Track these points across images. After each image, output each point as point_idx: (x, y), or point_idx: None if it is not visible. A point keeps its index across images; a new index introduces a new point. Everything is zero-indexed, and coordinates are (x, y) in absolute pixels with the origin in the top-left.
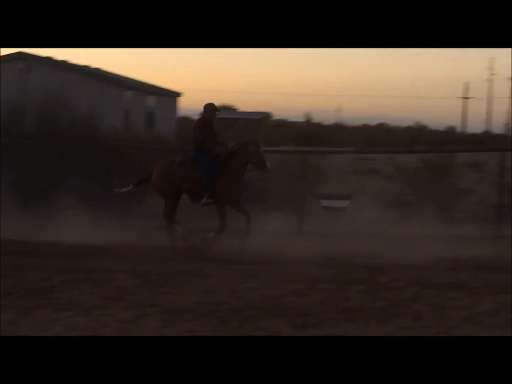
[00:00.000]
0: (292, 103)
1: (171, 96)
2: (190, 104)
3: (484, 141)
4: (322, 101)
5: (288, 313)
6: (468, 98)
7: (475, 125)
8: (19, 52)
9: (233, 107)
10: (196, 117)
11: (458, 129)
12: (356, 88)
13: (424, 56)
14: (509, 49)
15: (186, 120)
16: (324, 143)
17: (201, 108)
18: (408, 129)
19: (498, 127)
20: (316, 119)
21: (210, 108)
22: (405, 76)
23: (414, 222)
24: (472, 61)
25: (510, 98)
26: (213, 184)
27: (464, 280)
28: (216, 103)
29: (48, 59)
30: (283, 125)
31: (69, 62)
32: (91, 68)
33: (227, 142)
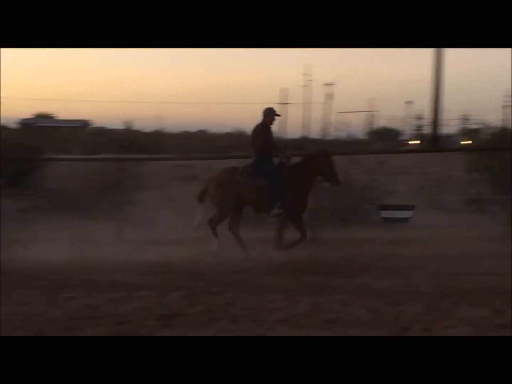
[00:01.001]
0: (112, 110)
1: None
2: (6, 112)
3: (302, 146)
4: (143, 108)
5: (106, 321)
6: (286, 104)
7: (294, 131)
8: None
9: (51, 116)
10: (14, 125)
11: (277, 135)
12: (177, 96)
13: (243, 63)
14: (321, 57)
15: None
16: (144, 150)
17: (18, 116)
18: (227, 135)
19: (315, 132)
20: (136, 126)
21: (269, 112)
22: (224, 83)
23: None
24: (289, 67)
25: (326, 104)
26: (282, 194)
27: (281, 282)
28: (34, 112)
29: None
30: (102, 133)
31: None
32: None
33: (287, 150)
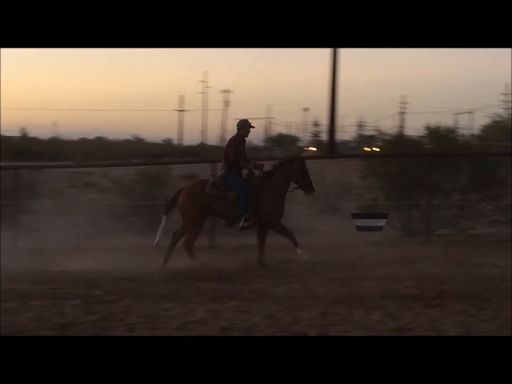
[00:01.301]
0: (7, 117)
1: None
2: None
3: (200, 153)
4: (38, 115)
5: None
6: (183, 111)
7: (192, 138)
8: None
9: None
10: None
11: (175, 142)
12: (74, 102)
13: (140, 69)
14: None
15: None
16: (40, 157)
17: None
18: (126, 142)
19: (212, 138)
20: (32, 133)
21: (244, 124)
22: (122, 90)
23: (129, 234)
24: (186, 74)
25: (224, 110)
26: (250, 206)
27: (178, 290)
28: None
29: None
30: None
31: None
32: None
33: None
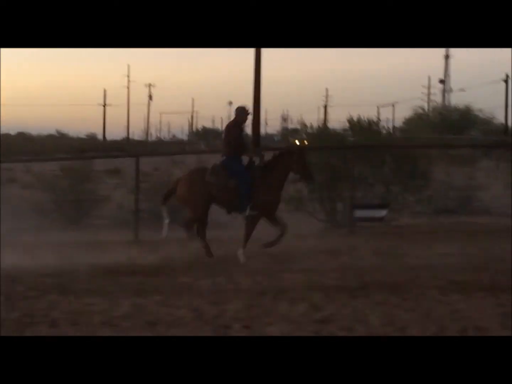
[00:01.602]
0: None
1: None
2: None
3: (125, 147)
4: None
5: None
6: (107, 105)
7: (116, 132)
8: None
9: None
10: None
11: (99, 136)
12: None
13: (64, 63)
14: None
15: None
16: None
17: None
18: (49, 137)
19: (137, 133)
20: None
21: (242, 111)
22: (45, 84)
23: (53, 230)
24: (110, 68)
25: (148, 105)
26: (252, 194)
27: (102, 285)
28: None
29: None
30: None
31: None
32: None
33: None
